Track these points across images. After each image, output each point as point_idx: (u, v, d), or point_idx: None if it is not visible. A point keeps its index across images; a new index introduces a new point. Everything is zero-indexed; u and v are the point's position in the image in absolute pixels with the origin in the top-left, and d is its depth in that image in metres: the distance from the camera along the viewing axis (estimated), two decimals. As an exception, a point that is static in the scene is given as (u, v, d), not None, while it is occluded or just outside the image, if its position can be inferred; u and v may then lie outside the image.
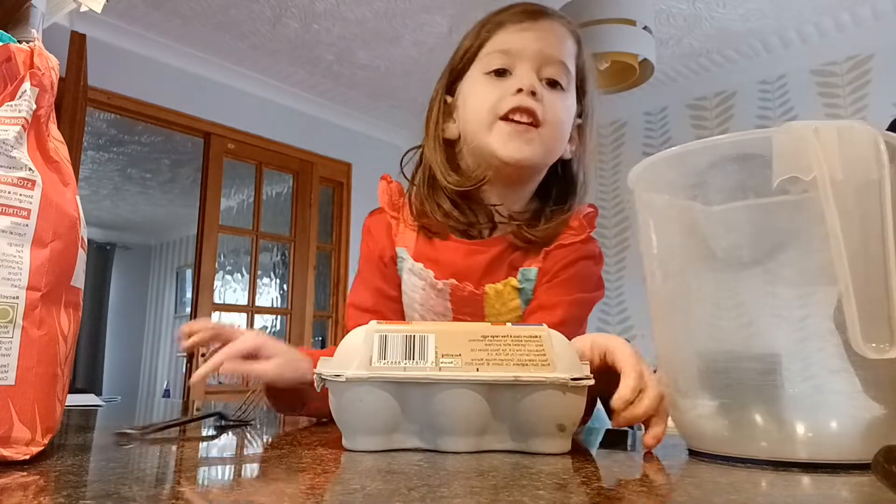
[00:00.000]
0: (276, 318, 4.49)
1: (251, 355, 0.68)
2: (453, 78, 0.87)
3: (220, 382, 3.70)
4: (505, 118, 0.77)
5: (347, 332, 0.54)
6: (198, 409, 0.94)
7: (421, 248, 0.84)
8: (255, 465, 0.44)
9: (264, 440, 0.60)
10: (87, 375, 6.27)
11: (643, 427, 0.53)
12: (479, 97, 0.81)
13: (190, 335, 0.72)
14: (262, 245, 4.08)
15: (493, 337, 0.49)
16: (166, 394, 6.25)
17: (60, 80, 1.59)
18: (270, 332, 4.61)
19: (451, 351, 0.48)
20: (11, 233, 0.41)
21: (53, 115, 0.46)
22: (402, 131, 4.05)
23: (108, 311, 6.76)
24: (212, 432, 0.62)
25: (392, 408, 0.47)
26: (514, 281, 0.80)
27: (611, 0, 2.30)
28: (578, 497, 0.33)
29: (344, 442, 0.49)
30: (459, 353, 0.48)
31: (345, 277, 3.88)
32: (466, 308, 0.80)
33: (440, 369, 0.47)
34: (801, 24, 3.05)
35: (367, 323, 0.51)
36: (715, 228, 0.47)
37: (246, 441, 0.57)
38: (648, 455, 0.50)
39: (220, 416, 0.70)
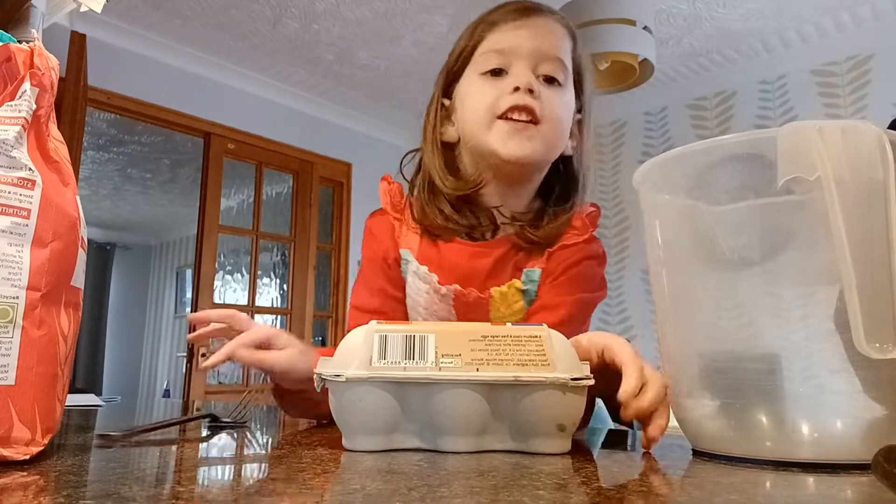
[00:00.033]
0: (276, 318, 4.48)
1: (263, 346, 0.67)
2: (449, 80, 0.86)
3: (220, 382, 3.70)
4: (503, 117, 0.77)
5: None
6: (198, 409, 0.94)
7: (425, 251, 0.83)
8: (255, 466, 0.44)
9: (264, 440, 0.60)
10: (87, 375, 6.27)
11: (642, 425, 0.53)
12: (476, 97, 0.80)
13: (200, 323, 0.72)
14: (262, 245, 4.08)
15: (493, 337, 0.49)
16: (166, 394, 6.25)
17: (60, 80, 1.59)
18: (270, 332, 4.61)
19: (451, 351, 0.48)
20: (11, 233, 0.41)
21: (53, 115, 0.46)
22: (402, 131, 4.05)
23: (108, 311, 6.76)
24: (203, 435, 0.60)
25: (392, 408, 0.47)
26: (517, 283, 0.80)
27: (611, 0, 2.30)
28: (578, 497, 0.33)
29: (344, 442, 0.49)
30: (459, 353, 0.48)
31: (345, 277, 3.88)
32: (471, 314, 0.80)
33: (440, 369, 0.47)
34: (801, 24, 3.05)
35: None
36: (722, 228, 0.47)
37: (246, 441, 0.57)
38: (649, 455, 0.50)
39: (213, 417, 0.68)
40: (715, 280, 0.49)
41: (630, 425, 0.56)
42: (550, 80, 0.80)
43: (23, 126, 0.43)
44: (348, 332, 0.53)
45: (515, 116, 0.77)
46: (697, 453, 0.50)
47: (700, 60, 3.37)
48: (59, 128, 0.47)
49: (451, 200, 0.82)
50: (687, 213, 0.51)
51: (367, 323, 0.51)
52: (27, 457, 0.40)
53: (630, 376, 0.51)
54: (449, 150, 0.85)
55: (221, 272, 4.88)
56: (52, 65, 0.46)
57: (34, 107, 0.44)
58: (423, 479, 0.36)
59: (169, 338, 6.59)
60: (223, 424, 0.66)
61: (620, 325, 3.57)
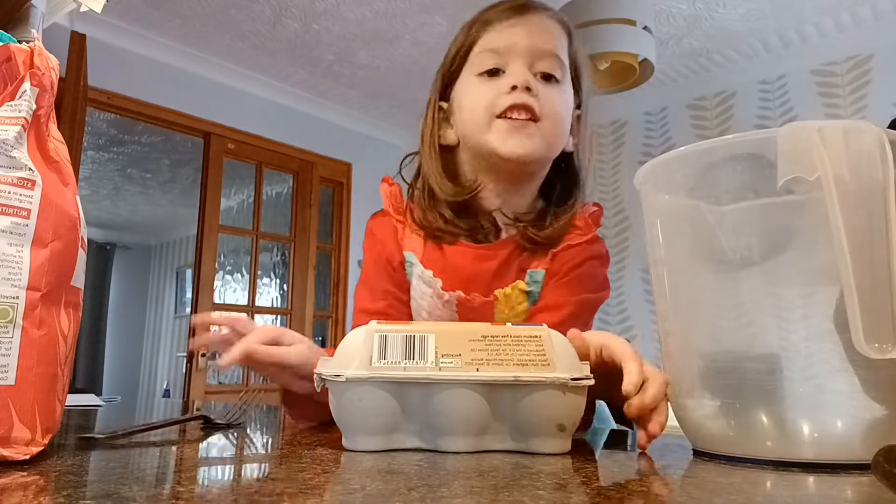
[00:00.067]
0: (276, 318, 4.48)
1: (273, 343, 0.66)
2: (446, 83, 0.86)
3: (220, 382, 3.70)
4: (502, 116, 0.77)
5: None
6: (198, 409, 0.94)
7: (430, 254, 0.83)
8: (255, 466, 0.44)
9: (264, 440, 0.60)
10: (87, 375, 6.27)
11: (642, 422, 0.52)
12: (473, 97, 0.80)
13: (202, 327, 0.71)
14: (262, 245, 4.08)
15: (493, 337, 0.49)
16: (166, 394, 6.25)
17: (60, 80, 1.59)
18: (270, 332, 4.61)
19: (451, 351, 0.48)
20: (11, 233, 0.41)
21: (53, 115, 0.46)
22: (402, 131, 4.05)
23: (108, 311, 6.76)
24: (191, 437, 0.58)
25: (392, 408, 0.47)
26: (521, 284, 0.80)
27: (611, 0, 2.30)
28: (578, 497, 0.33)
29: (344, 442, 0.49)
30: (459, 353, 0.48)
31: (345, 277, 3.88)
32: (475, 317, 0.79)
33: (440, 369, 0.47)
34: (801, 24, 3.05)
35: None
36: (722, 228, 0.47)
37: (246, 441, 0.57)
38: (649, 455, 0.50)
39: (205, 419, 0.65)
40: (715, 280, 0.49)
41: (630, 425, 0.56)
42: (548, 77, 0.79)
43: (23, 126, 0.43)
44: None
45: (515, 115, 0.76)
46: (697, 453, 0.50)
47: (700, 60, 3.37)
48: (59, 128, 0.47)
49: (451, 205, 0.82)
50: (687, 213, 0.51)
51: None
52: (27, 457, 0.40)
53: (631, 372, 0.50)
54: (448, 154, 0.85)
55: (221, 272, 4.89)
56: (52, 65, 0.46)
57: (34, 107, 0.44)
58: (423, 479, 0.36)
59: (169, 338, 6.59)
60: (217, 426, 0.64)
61: (620, 325, 3.57)
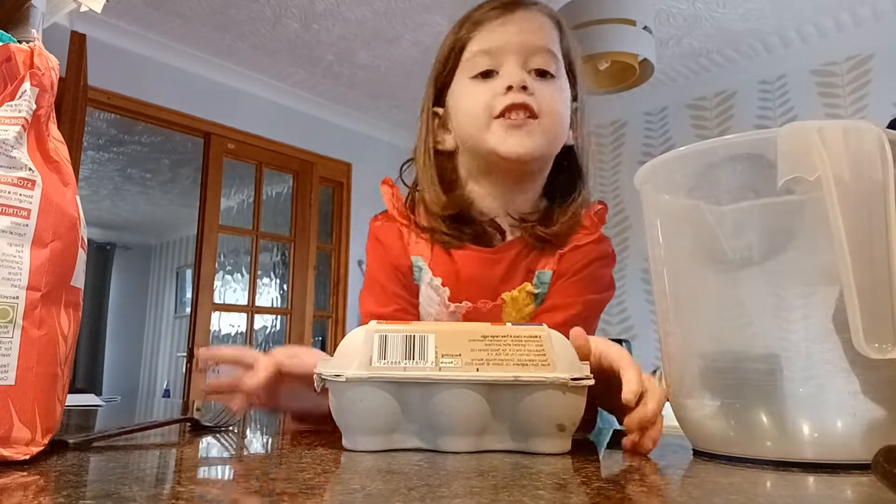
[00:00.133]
0: (276, 318, 4.49)
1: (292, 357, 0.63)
2: (439, 87, 0.85)
3: (220, 382, 3.70)
4: (500, 117, 0.76)
5: None
6: (197, 409, 0.94)
7: (438, 260, 0.82)
8: (255, 466, 0.44)
9: (264, 440, 0.59)
10: (87, 375, 6.27)
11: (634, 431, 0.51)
12: (470, 100, 0.79)
13: (209, 361, 0.68)
14: (262, 245, 4.08)
15: (493, 337, 0.49)
16: (166, 394, 6.25)
17: (60, 80, 1.59)
18: (270, 332, 4.62)
19: (451, 351, 0.48)
20: (11, 233, 0.41)
21: (53, 115, 0.46)
22: (402, 131, 4.04)
23: (108, 311, 6.76)
24: (174, 440, 0.56)
25: (392, 408, 0.47)
26: (529, 286, 0.79)
27: (611, 0, 2.30)
28: (578, 497, 0.33)
29: (344, 442, 0.49)
30: (459, 353, 0.48)
31: (345, 277, 3.88)
32: (482, 321, 0.79)
33: (440, 369, 0.47)
34: (801, 24, 3.05)
35: None
36: (723, 228, 0.47)
37: (246, 441, 0.57)
38: (649, 455, 0.50)
39: (191, 421, 0.62)
40: (715, 280, 0.49)
41: (643, 428, 0.55)
42: (542, 74, 0.78)
43: (23, 126, 0.43)
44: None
45: (513, 116, 0.76)
46: (697, 453, 0.50)
47: (700, 60, 3.37)
48: (59, 128, 0.47)
49: (449, 214, 0.81)
50: (687, 213, 0.51)
51: None
52: (27, 457, 0.40)
53: (631, 381, 0.50)
54: (446, 160, 0.84)
55: (221, 272, 4.89)
56: (52, 65, 0.46)
57: (34, 107, 0.44)
58: (423, 479, 0.36)
59: (169, 338, 6.59)
60: (206, 428, 0.62)
61: (620, 325, 3.57)
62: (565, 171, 0.84)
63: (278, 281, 4.34)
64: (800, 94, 3.26)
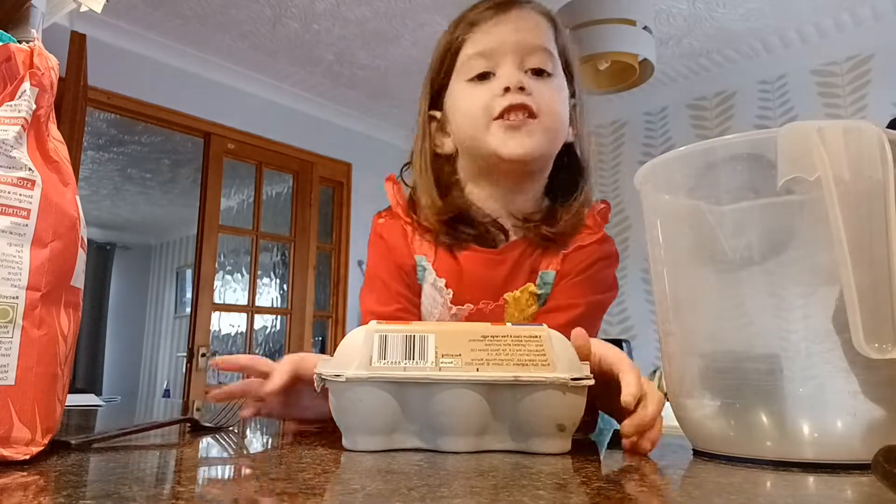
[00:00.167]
0: (276, 318, 4.49)
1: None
2: (436, 89, 0.84)
3: (219, 382, 3.70)
4: (500, 118, 0.76)
5: None
6: (198, 409, 0.94)
7: (442, 261, 0.81)
8: (255, 466, 0.44)
9: (264, 440, 0.60)
10: (87, 375, 6.27)
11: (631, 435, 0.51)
12: (468, 102, 0.79)
13: (218, 368, 0.68)
14: (262, 245, 4.08)
15: (493, 337, 0.49)
16: (166, 394, 6.25)
17: (60, 80, 1.59)
18: (270, 332, 4.62)
19: (451, 351, 0.48)
20: (11, 233, 0.41)
21: (53, 115, 0.46)
22: (402, 131, 4.01)
23: (108, 311, 6.76)
24: (174, 440, 0.55)
25: (392, 408, 0.47)
26: (532, 287, 0.79)
27: (611, 0, 2.30)
28: (578, 497, 0.33)
29: (344, 442, 0.49)
30: (459, 353, 0.48)
31: (345, 277, 3.88)
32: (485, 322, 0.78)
33: (440, 369, 0.47)
34: (801, 24, 3.05)
35: None
36: (723, 228, 0.47)
37: (246, 441, 0.57)
38: (649, 455, 0.50)
39: (191, 421, 0.62)
40: (715, 280, 0.49)
41: (642, 432, 0.55)
42: (539, 72, 0.78)
43: (22, 126, 0.43)
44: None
45: (512, 117, 0.75)
46: (697, 453, 0.50)
47: (700, 60, 3.37)
48: (59, 128, 0.47)
49: (450, 217, 0.81)
50: (687, 213, 0.51)
51: None
52: (27, 457, 0.40)
53: (630, 384, 0.50)
54: (445, 163, 0.84)
55: (221, 272, 4.89)
56: (52, 65, 0.46)
57: (34, 107, 0.44)
58: (423, 479, 0.36)
59: (169, 338, 6.59)
60: (205, 429, 0.61)
61: (620, 325, 3.57)
62: (566, 169, 0.84)
63: (278, 281, 4.34)
64: (800, 94, 3.26)
